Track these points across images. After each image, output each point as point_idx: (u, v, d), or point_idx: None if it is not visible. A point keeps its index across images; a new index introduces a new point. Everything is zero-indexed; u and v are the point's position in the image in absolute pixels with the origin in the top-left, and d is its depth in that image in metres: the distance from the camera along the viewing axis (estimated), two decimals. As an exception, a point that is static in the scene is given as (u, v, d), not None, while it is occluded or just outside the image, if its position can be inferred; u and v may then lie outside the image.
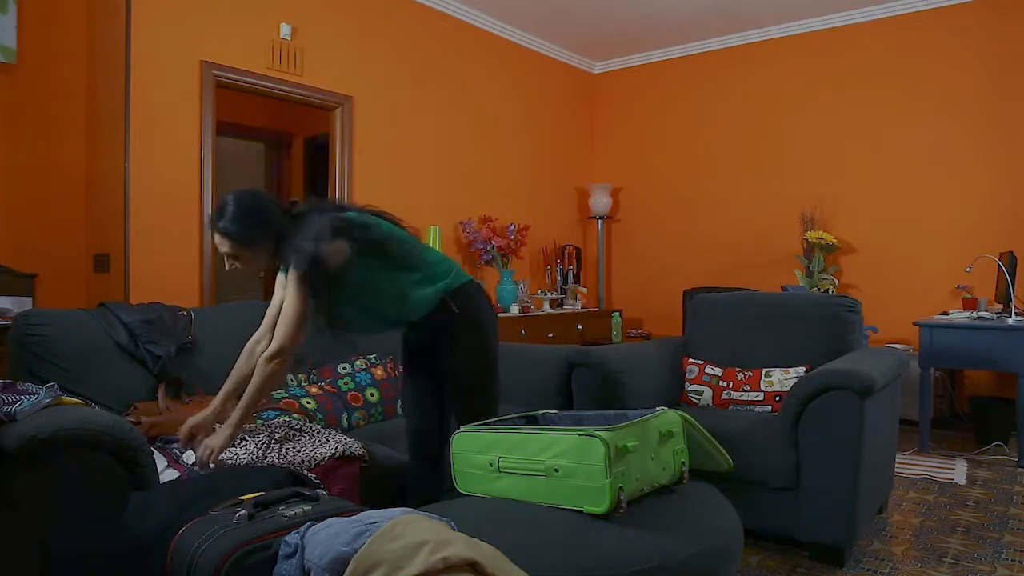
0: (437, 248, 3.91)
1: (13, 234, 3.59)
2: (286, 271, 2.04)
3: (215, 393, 2.60)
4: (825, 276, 5.28)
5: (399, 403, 3.00)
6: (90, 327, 2.48)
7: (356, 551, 1.27)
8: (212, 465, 2.02)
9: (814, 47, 5.58)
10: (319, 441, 2.35)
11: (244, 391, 2.09)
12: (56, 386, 2.04)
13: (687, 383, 3.25)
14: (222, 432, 2.04)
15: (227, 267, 2.07)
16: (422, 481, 2.29)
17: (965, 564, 2.53)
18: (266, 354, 2.02)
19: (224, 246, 2.01)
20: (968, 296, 4.60)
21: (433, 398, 2.27)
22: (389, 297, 2.09)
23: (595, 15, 5.53)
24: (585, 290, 6.16)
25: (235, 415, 2.03)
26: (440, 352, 2.16)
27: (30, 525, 1.71)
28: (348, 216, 2.05)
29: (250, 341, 2.26)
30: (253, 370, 2.10)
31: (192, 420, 2.16)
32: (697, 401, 3.18)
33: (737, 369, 3.16)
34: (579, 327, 5.71)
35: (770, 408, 2.99)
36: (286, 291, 2.01)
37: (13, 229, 3.60)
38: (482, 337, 2.17)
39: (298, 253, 1.94)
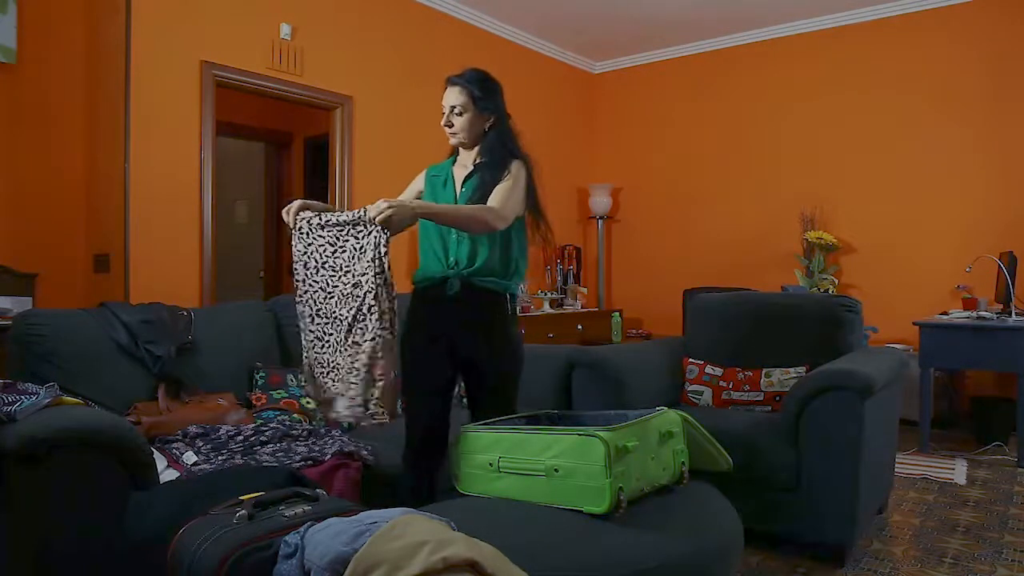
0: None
1: (13, 234, 3.59)
2: (488, 161, 2.14)
3: (215, 392, 2.62)
4: (825, 276, 5.28)
5: (399, 403, 3.00)
6: (90, 327, 2.48)
7: (356, 551, 1.27)
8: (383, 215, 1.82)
9: (814, 47, 5.58)
10: (319, 441, 2.35)
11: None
12: (56, 386, 2.04)
13: (687, 383, 3.25)
14: (408, 205, 1.86)
15: (443, 122, 2.18)
16: (419, 480, 2.18)
17: (965, 564, 2.53)
18: (488, 208, 2.00)
19: (457, 97, 2.13)
20: (968, 296, 4.60)
21: (445, 389, 2.16)
22: (517, 253, 2.17)
23: (595, 15, 5.53)
24: (585, 290, 6.16)
25: (423, 206, 1.94)
26: (480, 343, 2.10)
27: (30, 525, 1.71)
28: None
29: None
30: None
31: (303, 202, 2.07)
32: (697, 401, 3.18)
33: (737, 369, 3.16)
34: (579, 327, 5.71)
35: (770, 408, 2.99)
36: (510, 179, 2.10)
37: (13, 229, 3.60)
38: (520, 338, 2.23)
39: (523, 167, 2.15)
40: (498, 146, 2.15)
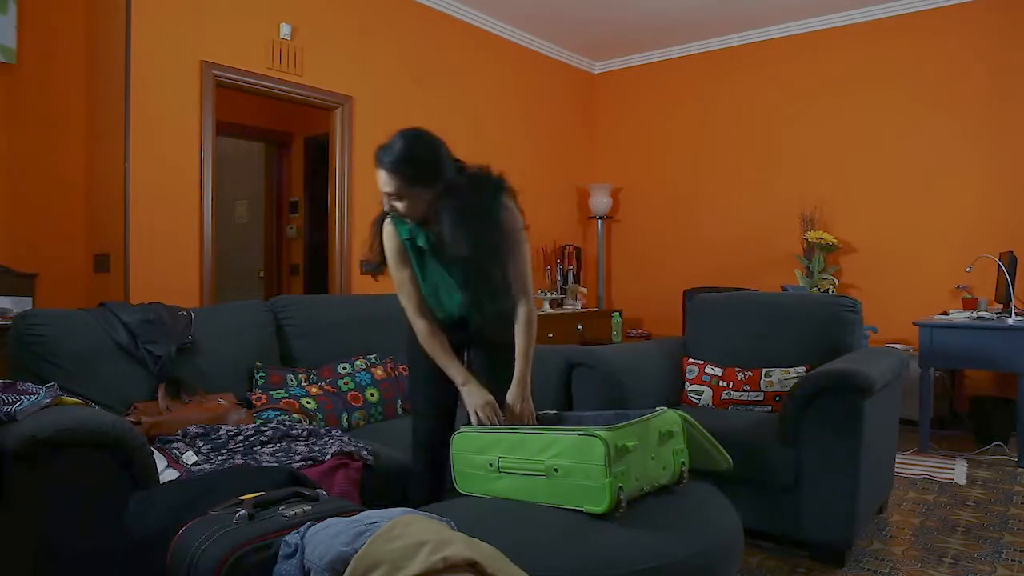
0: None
1: (13, 234, 3.59)
2: (454, 226, 1.92)
3: (215, 392, 2.62)
4: (825, 276, 5.28)
5: (399, 403, 3.00)
6: (90, 327, 2.48)
7: (356, 551, 1.27)
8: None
9: (814, 47, 5.58)
10: (319, 441, 2.35)
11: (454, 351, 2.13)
12: (56, 386, 2.04)
13: (687, 383, 3.25)
14: (522, 390, 2.10)
15: (385, 207, 1.98)
16: (425, 484, 2.23)
17: (965, 564, 2.53)
18: (527, 309, 2.11)
19: (389, 184, 1.90)
20: (968, 296, 4.60)
21: (451, 399, 2.20)
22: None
23: (595, 15, 5.53)
24: (585, 290, 6.16)
25: (524, 368, 2.10)
26: (491, 358, 2.18)
27: (30, 525, 1.71)
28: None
29: (414, 315, 2.11)
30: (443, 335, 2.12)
31: (485, 397, 2.08)
32: (697, 401, 3.18)
33: (737, 369, 3.16)
34: (579, 327, 5.71)
35: (770, 408, 2.99)
36: (514, 245, 2.01)
37: (13, 229, 3.60)
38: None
39: (514, 201, 2.00)
40: (452, 209, 1.92)
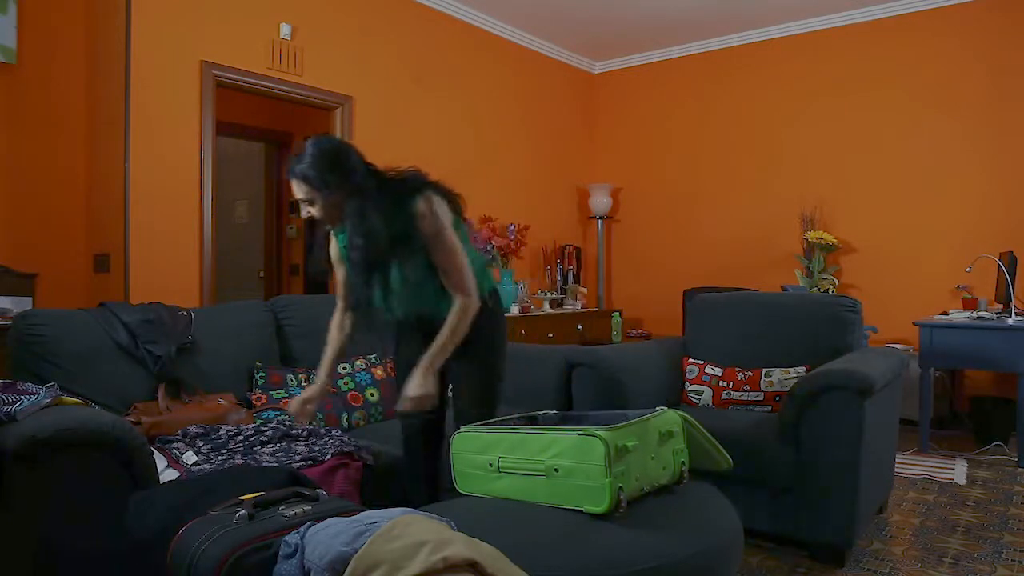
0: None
1: (13, 234, 3.59)
2: (356, 228, 1.97)
3: (215, 392, 2.62)
4: (825, 276, 5.28)
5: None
6: (90, 327, 2.48)
7: (356, 551, 1.27)
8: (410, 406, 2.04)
9: (814, 47, 5.58)
10: (319, 441, 2.35)
11: (340, 360, 2.30)
12: (56, 386, 2.04)
13: (687, 383, 3.25)
14: (418, 378, 2.00)
15: (303, 214, 2.04)
16: (417, 480, 2.28)
17: (965, 564, 2.53)
18: (463, 302, 2.01)
19: (300, 191, 1.98)
20: (968, 296, 4.60)
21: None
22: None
23: (595, 15, 5.53)
24: (585, 290, 6.16)
25: (430, 356, 2.02)
26: (463, 348, 2.14)
27: (30, 525, 1.71)
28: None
29: (335, 318, 2.27)
30: (346, 340, 2.25)
31: (305, 393, 2.20)
32: (697, 401, 3.18)
33: (737, 369, 3.16)
34: (579, 327, 5.71)
35: (770, 408, 2.99)
36: (437, 245, 1.99)
37: (13, 229, 3.60)
38: (503, 338, 2.25)
39: (429, 206, 1.97)
40: (363, 209, 1.97)
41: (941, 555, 2.61)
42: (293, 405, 2.19)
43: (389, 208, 1.97)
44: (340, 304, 2.25)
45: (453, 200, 2.08)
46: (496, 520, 1.64)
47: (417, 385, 2.00)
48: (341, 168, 1.97)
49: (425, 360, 2.02)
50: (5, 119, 3.57)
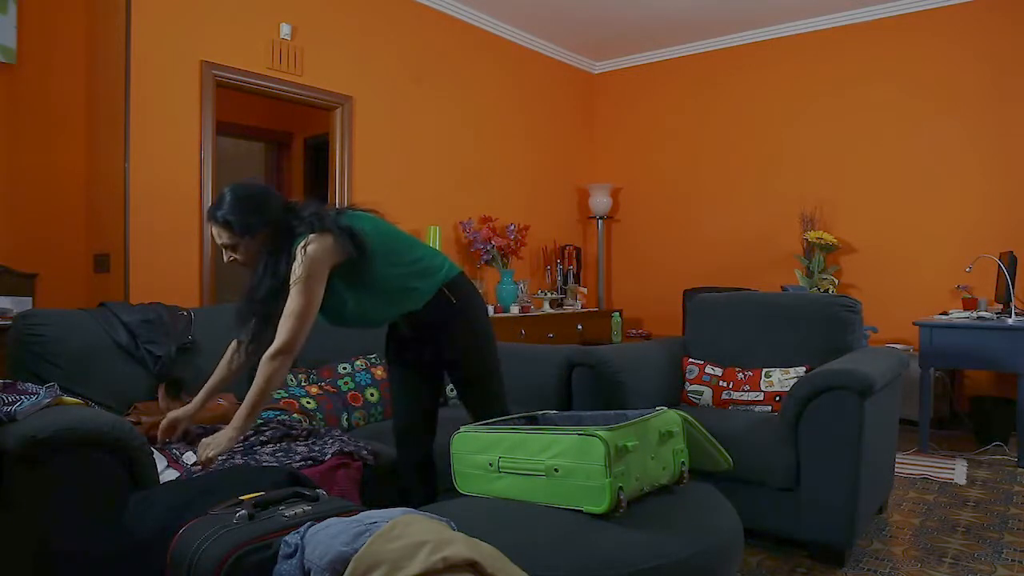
0: (437, 248, 3.91)
1: (13, 234, 3.59)
2: (268, 267, 2.02)
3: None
4: (825, 276, 5.28)
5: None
6: (90, 327, 2.48)
7: (356, 551, 1.27)
8: (213, 466, 2.01)
9: (814, 47, 5.58)
10: (319, 441, 2.35)
11: (224, 388, 2.19)
12: (56, 386, 2.04)
13: (687, 383, 3.25)
14: (224, 434, 1.99)
15: (226, 259, 2.06)
16: (411, 481, 2.28)
17: (965, 564, 2.53)
18: (269, 352, 1.97)
19: (222, 237, 2.01)
20: (968, 296, 4.60)
21: (419, 395, 2.26)
22: (392, 290, 2.08)
23: (595, 15, 5.53)
24: (585, 290, 6.16)
25: (239, 417, 1.98)
26: (438, 345, 2.16)
27: (30, 525, 1.71)
28: (349, 214, 2.08)
29: (229, 350, 2.23)
30: (234, 369, 2.18)
31: (173, 413, 2.19)
32: (697, 401, 3.18)
33: (737, 369, 3.16)
34: (579, 327, 5.71)
35: (770, 408, 2.99)
36: (291, 287, 1.97)
37: (13, 229, 3.60)
38: (479, 323, 2.21)
39: (305, 249, 1.94)
40: (291, 251, 1.97)
41: (941, 555, 2.61)
42: (163, 423, 2.17)
43: (278, 252, 2.00)
44: (234, 345, 2.22)
45: (355, 236, 1.99)
46: (496, 520, 1.64)
47: (225, 439, 1.94)
48: (259, 213, 1.99)
49: (236, 420, 1.97)
50: (5, 119, 3.57)
